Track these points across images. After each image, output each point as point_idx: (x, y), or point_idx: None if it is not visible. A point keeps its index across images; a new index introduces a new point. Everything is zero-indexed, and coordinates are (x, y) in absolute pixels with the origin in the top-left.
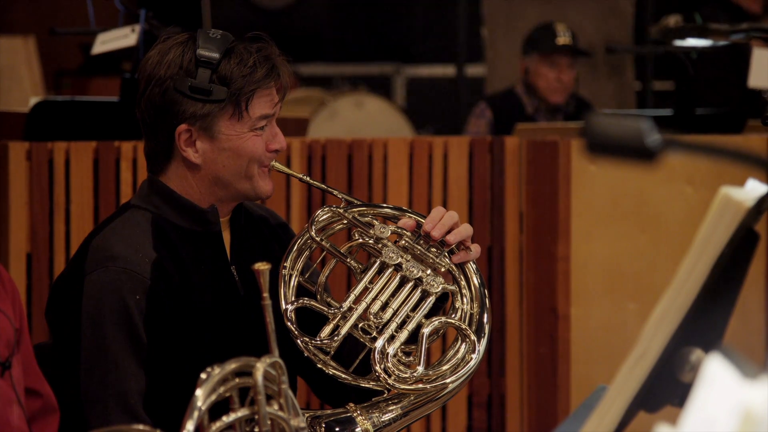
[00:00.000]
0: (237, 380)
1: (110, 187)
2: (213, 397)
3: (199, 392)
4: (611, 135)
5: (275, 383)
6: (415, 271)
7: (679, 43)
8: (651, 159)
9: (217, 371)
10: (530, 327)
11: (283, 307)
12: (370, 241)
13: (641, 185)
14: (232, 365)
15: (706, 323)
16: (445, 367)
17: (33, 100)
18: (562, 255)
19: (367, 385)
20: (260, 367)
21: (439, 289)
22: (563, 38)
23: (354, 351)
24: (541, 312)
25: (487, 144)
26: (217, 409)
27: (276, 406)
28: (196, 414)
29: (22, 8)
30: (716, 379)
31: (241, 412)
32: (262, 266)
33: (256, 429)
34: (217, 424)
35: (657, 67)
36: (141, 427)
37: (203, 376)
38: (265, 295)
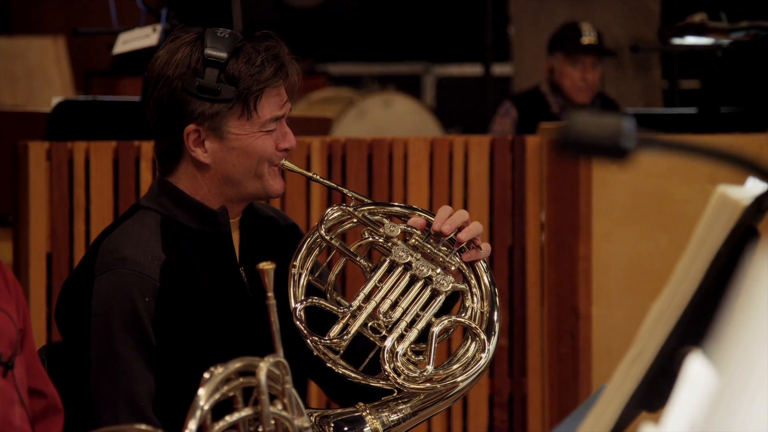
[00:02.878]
0: (241, 380)
1: (130, 187)
2: (216, 396)
3: (201, 391)
4: (586, 133)
5: (279, 383)
6: (425, 270)
7: (678, 41)
8: (623, 158)
9: (220, 371)
10: (551, 326)
11: (293, 306)
12: (380, 240)
13: (663, 184)
14: (235, 365)
15: (706, 322)
16: (454, 367)
17: (55, 100)
18: (583, 254)
19: (376, 385)
20: (263, 366)
21: (449, 287)
22: (588, 38)
23: (366, 350)
24: (562, 311)
25: (508, 143)
26: (223, 409)
27: (280, 406)
28: (198, 413)
29: (52, 9)
30: (698, 378)
31: (245, 412)
32: (266, 266)
33: (260, 429)
34: (220, 424)
35: (685, 66)
36: (143, 427)
37: (206, 375)
38: (270, 294)
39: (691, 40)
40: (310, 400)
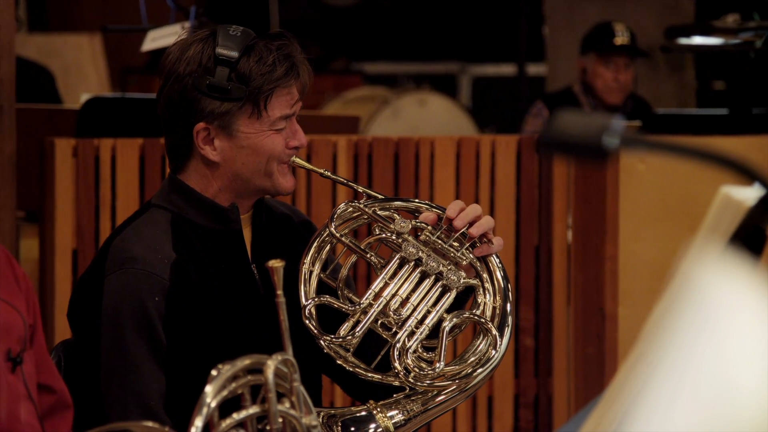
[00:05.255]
0: (249, 377)
1: (156, 184)
2: (224, 394)
3: (208, 389)
4: (568, 133)
5: (287, 381)
6: (436, 266)
7: (685, 41)
8: (603, 158)
9: (227, 368)
10: (577, 327)
11: (302, 304)
12: (391, 236)
13: (690, 185)
14: (243, 362)
15: None
16: (466, 363)
17: (84, 97)
18: (609, 255)
19: (388, 382)
20: (271, 364)
21: (461, 283)
22: (621, 38)
23: (380, 346)
24: (589, 312)
25: (534, 142)
26: (231, 407)
27: (287, 404)
28: (205, 410)
29: (88, 6)
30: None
31: (252, 410)
32: (275, 263)
33: (268, 427)
34: (227, 421)
35: (719, 66)
36: (150, 423)
37: (214, 372)
38: (279, 292)
39: (698, 40)
40: (335, 397)
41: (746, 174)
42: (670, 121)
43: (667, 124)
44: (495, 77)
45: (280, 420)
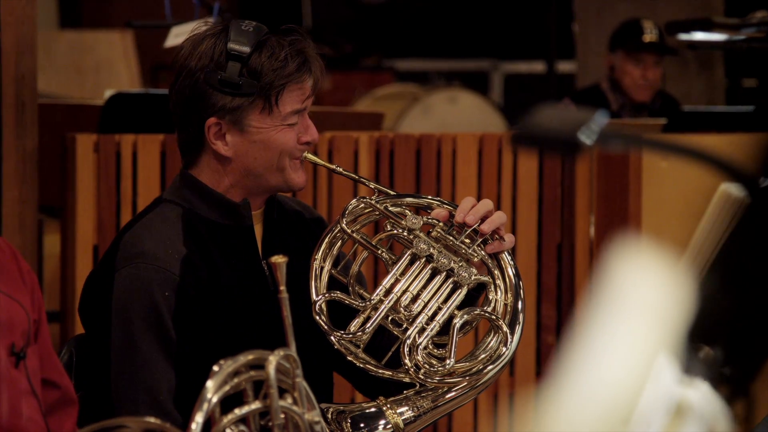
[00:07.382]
0: (251, 373)
1: None
2: (226, 389)
3: (209, 384)
4: (544, 127)
5: (289, 376)
6: (447, 262)
7: (684, 37)
8: (577, 153)
9: (229, 363)
10: None
11: (313, 299)
12: (402, 232)
13: (713, 182)
14: (245, 358)
15: (710, 319)
16: (476, 360)
17: (107, 93)
18: None
19: (398, 378)
20: (273, 360)
21: (472, 280)
22: (650, 36)
23: (391, 342)
24: None
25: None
26: (234, 403)
27: (290, 400)
28: (205, 406)
29: (120, 2)
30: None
31: (254, 405)
32: (278, 259)
33: (270, 423)
34: (229, 417)
35: (749, 64)
36: (152, 420)
37: (215, 368)
38: (282, 288)
39: (699, 36)
40: (356, 394)
41: (725, 170)
42: (696, 118)
43: (694, 122)
44: (526, 74)
45: (282, 416)
